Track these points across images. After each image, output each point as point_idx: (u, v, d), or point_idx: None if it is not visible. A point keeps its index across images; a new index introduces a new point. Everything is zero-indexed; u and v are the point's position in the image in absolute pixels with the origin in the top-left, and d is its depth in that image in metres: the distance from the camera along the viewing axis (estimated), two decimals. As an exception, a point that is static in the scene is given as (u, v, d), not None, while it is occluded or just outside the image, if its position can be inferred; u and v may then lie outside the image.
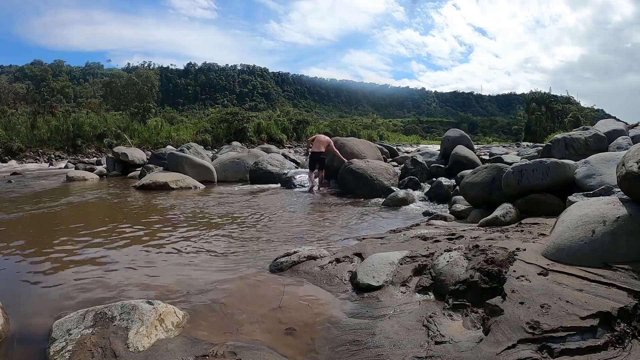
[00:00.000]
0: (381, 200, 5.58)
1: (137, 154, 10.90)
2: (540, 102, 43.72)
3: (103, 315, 1.72)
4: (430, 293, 1.97)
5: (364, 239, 3.18)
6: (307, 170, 7.46)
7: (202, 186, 7.52)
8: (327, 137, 7.34)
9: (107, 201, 5.90)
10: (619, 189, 2.26)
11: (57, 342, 1.58)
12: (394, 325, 1.69)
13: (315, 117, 44.50)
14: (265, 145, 15.81)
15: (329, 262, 2.53)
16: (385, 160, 8.35)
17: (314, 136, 7.50)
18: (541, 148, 6.89)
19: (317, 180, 7.19)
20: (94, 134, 17.61)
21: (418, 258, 2.28)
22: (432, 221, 3.90)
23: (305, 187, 7.19)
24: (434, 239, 2.69)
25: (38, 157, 15.69)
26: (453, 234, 2.79)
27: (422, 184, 6.36)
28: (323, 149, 7.07)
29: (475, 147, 9.52)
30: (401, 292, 2.03)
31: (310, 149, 7.27)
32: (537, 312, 1.47)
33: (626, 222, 1.74)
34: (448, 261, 2.05)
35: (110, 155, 11.60)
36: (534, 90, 46.89)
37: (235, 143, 17.45)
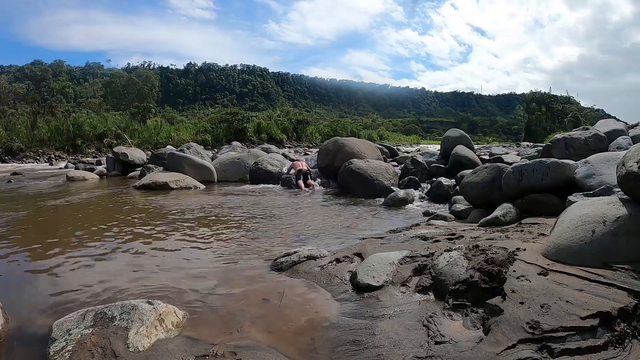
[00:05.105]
0: (381, 200, 5.58)
1: (137, 154, 10.89)
2: (540, 102, 43.67)
3: (103, 315, 1.72)
4: (430, 293, 1.97)
5: (364, 239, 3.18)
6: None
7: (202, 186, 7.52)
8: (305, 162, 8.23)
9: (107, 201, 5.89)
10: (619, 189, 2.26)
11: (57, 342, 1.58)
12: (394, 325, 1.69)
13: (315, 117, 44.46)
14: (265, 145, 15.80)
15: (328, 262, 2.53)
16: (385, 160, 8.35)
17: (294, 163, 8.13)
18: (541, 148, 6.89)
19: (317, 181, 7.31)
20: (94, 134, 17.63)
21: (418, 258, 2.28)
22: (432, 221, 3.90)
23: (305, 189, 7.23)
24: (434, 239, 2.69)
25: (38, 157, 15.70)
26: (453, 234, 2.79)
27: (422, 184, 6.35)
28: (305, 166, 7.77)
29: (475, 147, 9.51)
30: (401, 292, 2.03)
31: (295, 169, 7.73)
32: (537, 312, 1.47)
33: (626, 222, 1.74)
34: (448, 261, 2.05)
35: (110, 155, 11.59)
36: (534, 90, 46.90)
37: (235, 143, 17.43)
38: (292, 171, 7.65)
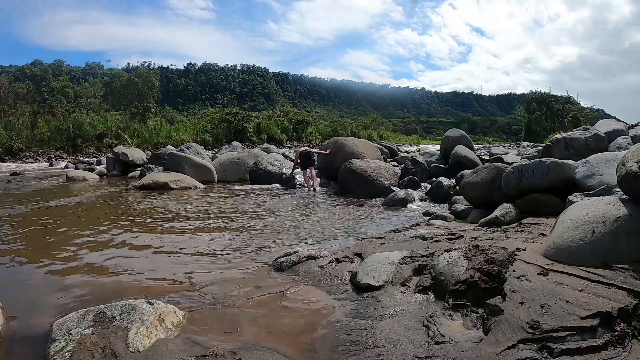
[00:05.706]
0: (381, 200, 5.58)
1: (137, 154, 10.90)
2: (540, 102, 43.68)
3: (103, 315, 1.72)
4: (430, 293, 1.97)
5: (364, 239, 3.18)
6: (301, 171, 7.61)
7: (202, 186, 7.52)
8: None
9: (106, 201, 5.89)
10: (619, 189, 2.26)
11: (57, 342, 1.58)
12: (394, 325, 1.69)
13: (315, 117, 44.44)
14: (265, 145, 15.80)
15: (329, 262, 2.53)
16: (385, 160, 8.36)
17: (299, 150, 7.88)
18: (541, 148, 6.89)
19: (317, 180, 7.26)
20: (94, 134, 17.65)
21: (418, 258, 2.28)
22: (432, 221, 3.90)
23: (304, 187, 7.21)
24: (434, 239, 2.69)
25: (38, 157, 15.70)
26: (453, 234, 2.79)
27: (422, 184, 6.36)
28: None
29: (475, 147, 9.52)
30: (401, 292, 2.03)
31: (299, 152, 7.51)
32: (537, 312, 1.47)
33: (626, 222, 1.74)
34: (448, 261, 2.05)
35: (110, 155, 11.61)
36: (533, 90, 46.92)
37: (235, 143, 17.43)
38: (297, 171, 7.53)
